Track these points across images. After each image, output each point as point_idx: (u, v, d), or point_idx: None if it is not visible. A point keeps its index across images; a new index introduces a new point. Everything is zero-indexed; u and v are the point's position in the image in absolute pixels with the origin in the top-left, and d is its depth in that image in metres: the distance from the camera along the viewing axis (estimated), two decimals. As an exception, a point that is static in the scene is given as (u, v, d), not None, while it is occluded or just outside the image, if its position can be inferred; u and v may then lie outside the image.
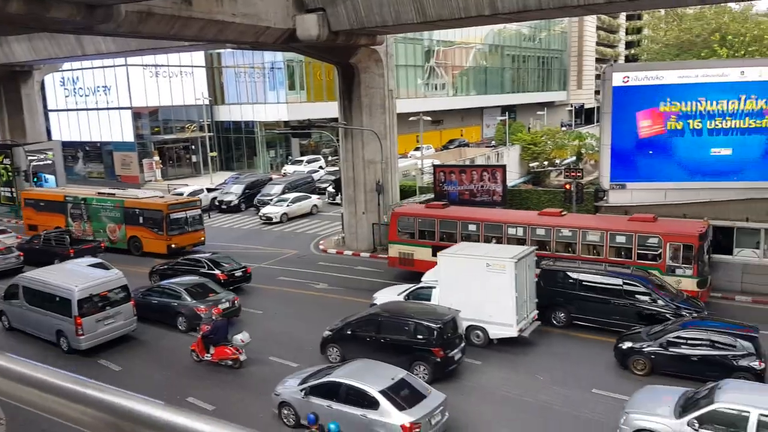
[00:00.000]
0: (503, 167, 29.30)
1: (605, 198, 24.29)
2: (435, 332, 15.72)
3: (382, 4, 22.83)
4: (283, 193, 41.44)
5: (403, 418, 12.39)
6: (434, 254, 21.46)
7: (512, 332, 17.39)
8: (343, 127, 30.25)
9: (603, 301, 18.55)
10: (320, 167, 53.55)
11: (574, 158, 50.23)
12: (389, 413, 12.51)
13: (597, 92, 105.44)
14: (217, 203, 42.28)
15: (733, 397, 12.09)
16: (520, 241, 21.78)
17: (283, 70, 53.54)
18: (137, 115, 52.37)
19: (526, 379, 16.31)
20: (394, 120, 31.82)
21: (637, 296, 18.23)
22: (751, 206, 21.25)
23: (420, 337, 15.93)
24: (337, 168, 51.34)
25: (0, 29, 19.51)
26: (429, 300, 18.63)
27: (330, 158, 55.46)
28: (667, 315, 17.63)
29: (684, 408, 12.42)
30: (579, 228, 21.30)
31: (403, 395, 12.95)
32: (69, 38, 31.99)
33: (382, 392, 12.78)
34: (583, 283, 19.05)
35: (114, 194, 32.54)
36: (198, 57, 54.70)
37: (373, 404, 12.73)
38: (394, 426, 12.34)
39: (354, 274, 27.02)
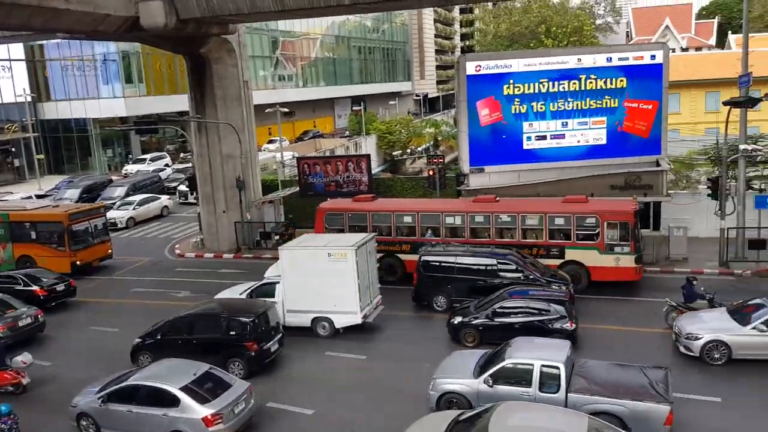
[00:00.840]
0: (367, 157, 29.40)
1: (465, 182, 25.23)
2: (248, 327, 15.84)
3: (235, -10, 21.70)
4: (128, 195, 38.41)
5: (204, 410, 12.54)
6: None
7: (357, 319, 17.89)
8: (198, 121, 28.49)
9: (479, 282, 19.17)
10: (166, 165, 50.37)
11: (428, 145, 52.11)
12: (191, 408, 12.58)
13: (439, 82, 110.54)
14: (51, 210, 38.04)
15: (520, 353, 13.34)
16: (458, 230, 21.75)
17: (117, 61, 49.42)
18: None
19: (366, 363, 16.70)
20: (252, 112, 30.65)
21: (510, 275, 19.01)
22: (595, 182, 23.20)
23: (233, 332, 15.96)
24: (187, 165, 48.65)
25: None
26: (273, 296, 18.52)
27: (181, 155, 52.23)
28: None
29: (482, 368, 13.49)
30: (518, 213, 21.11)
31: (206, 389, 13.01)
32: None
33: (183, 388, 12.81)
34: (460, 266, 19.57)
35: None
36: (16, 49, 48.70)
37: (173, 402, 12.72)
38: (195, 420, 12.49)
39: (218, 277, 25.38)
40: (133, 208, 36.02)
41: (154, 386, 13.04)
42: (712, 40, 78.95)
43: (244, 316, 16.17)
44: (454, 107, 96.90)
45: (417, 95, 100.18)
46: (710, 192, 21.83)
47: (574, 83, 23.56)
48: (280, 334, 16.84)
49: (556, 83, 23.65)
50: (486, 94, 24.00)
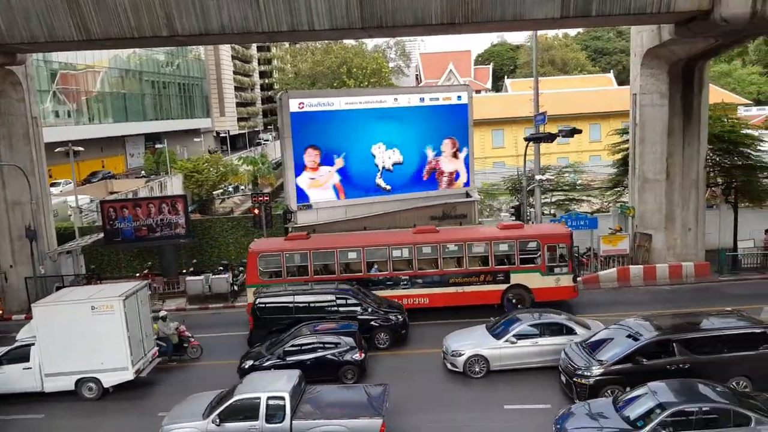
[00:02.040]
0: (184, 197, 27.80)
1: (293, 219, 25.04)
2: None
3: (29, 16, 19.24)
4: None
5: None
6: None
7: (129, 375, 16.92)
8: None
9: (318, 319, 18.88)
10: None
11: (240, 185, 50.77)
12: None
13: (240, 119, 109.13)
14: None
15: (248, 388, 13.75)
16: (407, 263, 21.30)
17: None
18: None
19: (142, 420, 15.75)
20: (42, 152, 27.29)
21: (349, 309, 19.14)
22: (417, 214, 24.58)
23: None
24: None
25: None
26: (28, 360, 17.04)
27: None
28: (379, 321, 19.05)
29: (212, 408, 13.58)
30: (464, 241, 21.12)
31: None
32: None
33: None
34: (298, 305, 19.29)
35: None
36: None
37: None
38: None
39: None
40: None
41: None
42: (489, 84, 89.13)
43: None
44: (257, 144, 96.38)
45: (217, 132, 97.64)
46: (514, 218, 24.33)
47: (391, 122, 24.84)
48: None
49: (376, 121, 24.71)
50: (310, 131, 24.20)
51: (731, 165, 26.87)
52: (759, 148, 27.57)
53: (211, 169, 45.65)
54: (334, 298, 19.35)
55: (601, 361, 14.73)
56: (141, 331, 17.54)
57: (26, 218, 26.02)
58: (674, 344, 14.57)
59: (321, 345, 16.92)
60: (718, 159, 27.17)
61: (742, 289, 23.03)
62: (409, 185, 25.70)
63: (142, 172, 67.41)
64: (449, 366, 17.07)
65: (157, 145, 56.56)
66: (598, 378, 14.46)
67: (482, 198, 28.12)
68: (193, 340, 19.63)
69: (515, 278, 21.01)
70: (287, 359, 16.62)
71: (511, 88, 64.17)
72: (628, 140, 26.91)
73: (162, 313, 19.32)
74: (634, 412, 12.47)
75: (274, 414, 12.98)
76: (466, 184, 25.84)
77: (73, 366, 16.75)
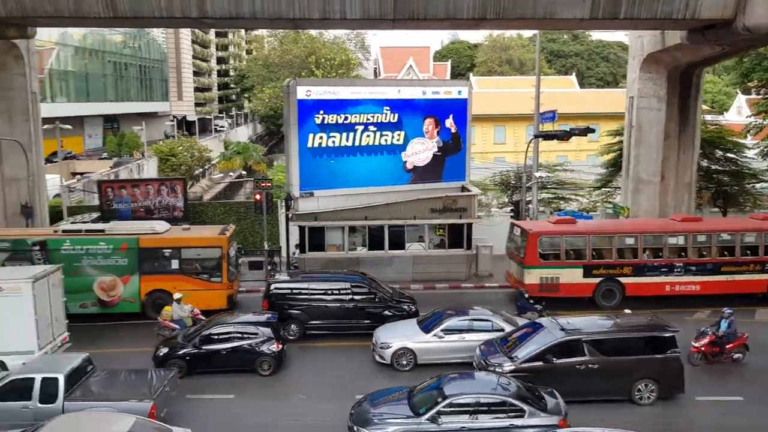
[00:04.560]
0: (183, 180, 28.12)
1: (293, 206, 25.84)
2: None
3: (57, -8, 19.42)
4: None
5: None
6: (585, 275, 21.82)
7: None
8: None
9: (333, 306, 19.72)
10: None
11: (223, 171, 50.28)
12: None
13: (198, 104, 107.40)
14: None
15: (25, 369, 14.39)
16: (678, 250, 22.31)
17: None
18: None
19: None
20: (39, 128, 27.13)
21: (363, 296, 19.88)
22: (417, 206, 25.66)
23: None
24: None
25: None
26: None
27: None
28: (392, 310, 19.83)
29: None
30: (738, 231, 22.42)
31: None
32: None
33: None
34: (312, 292, 19.89)
35: (104, 230, 21.31)
36: None
37: None
38: None
39: None
40: None
41: None
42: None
43: None
44: (214, 130, 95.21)
45: (174, 116, 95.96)
46: (512, 213, 25.78)
47: (396, 113, 25.95)
48: None
49: (380, 111, 25.76)
50: (315, 119, 25.05)
51: (721, 170, 28.64)
52: (743, 155, 29.74)
53: (186, 153, 45.48)
54: (348, 286, 20.02)
55: (513, 358, 15.22)
56: (51, 315, 17.32)
57: (22, 195, 25.89)
58: (584, 344, 15.11)
59: (238, 335, 17.04)
60: (706, 164, 28.99)
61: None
62: (411, 177, 26.74)
63: (104, 153, 65.97)
64: (377, 358, 17.39)
65: (136, 128, 55.35)
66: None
67: (482, 192, 29.43)
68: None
69: None
70: (202, 348, 16.85)
71: (476, 85, 66.18)
72: (620, 141, 28.43)
73: (177, 296, 19.66)
74: (421, 401, 13.27)
75: (48, 394, 13.51)
76: (461, 178, 27.23)
77: None
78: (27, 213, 25.48)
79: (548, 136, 24.24)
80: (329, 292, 19.99)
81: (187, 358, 16.77)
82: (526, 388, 13.67)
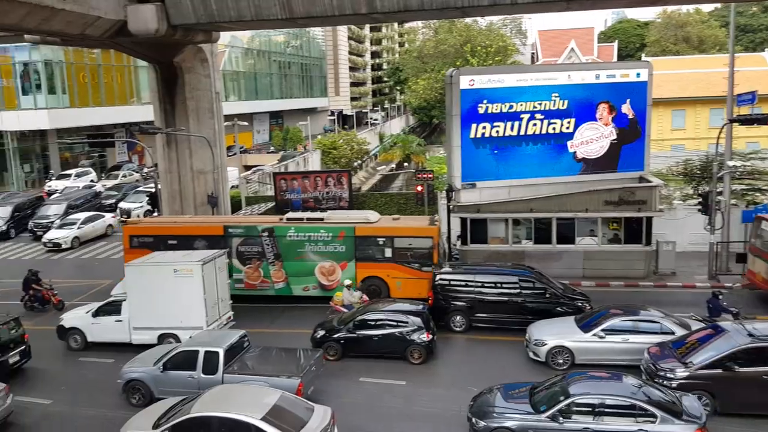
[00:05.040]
0: (348, 172, 29.07)
1: (455, 197, 25.50)
2: None
3: (240, -3, 20.78)
4: (67, 213, 35.34)
5: None
6: None
7: None
8: (170, 133, 26.88)
9: (500, 300, 19.23)
10: (91, 181, 46.89)
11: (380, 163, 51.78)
12: None
13: (353, 98, 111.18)
14: (-25, 231, 34.33)
15: (190, 342, 15.91)
16: None
17: (40, 71, 45.51)
18: None
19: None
20: (222, 125, 29.38)
21: (532, 291, 19.19)
22: (590, 198, 24.19)
23: None
24: (119, 182, 45.59)
25: None
26: (119, 314, 18.83)
27: (145, 170, 48.24)
28: (565, 307, 18.92)
29: (160, 358, 15.64)
30: None
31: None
32: None
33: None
34: (478, 284, 19.51)
35: (323, 218, 22.62)
36: None
37: None
38: None
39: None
40: (78, 227, 33.15)
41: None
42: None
43: None
44: (368, 123, 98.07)
45: (332, 111, 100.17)
46: (700, 207, 23.36)
47: (565, 100, 24.59)
48: (24, 347, 17.60)
49: (548, 98, 24.56)
50: (479, 109, 24.47)
51: None
52: None
53: (346, 146, 47.12)
54: (516, 280, 19.44)
55: (687, 363, 14.13)
56: (217, 295, 18.80)
57: (209, 186, 28.20)
58: None
59: (390, 322, 17.38)
60: None
61: None
62: (581, 167, 25.26)
63: (271, 147, 70.67)
64: (531, 355, 16.96)
65: (302, 123, 58.62)
66: (681, 382, 13.89)
67: (665, 183, 26.97)
68: None
69: None
70: (356, 333, 17.42)
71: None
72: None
73: (347, 282, 20.33)
74: (542, 398, 12.98)
75: (210, 366, 14.71)
76: (639, 167, 25.19)
77: (156, 322, 18.30)
78: (213, 202, 27.75)
79: (748, 120, 21.50)
80: (496, 285, 19.52)
81: (342, 341, 17.49)
82: (662, 392, 12.96)
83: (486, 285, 19.56)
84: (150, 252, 20.92)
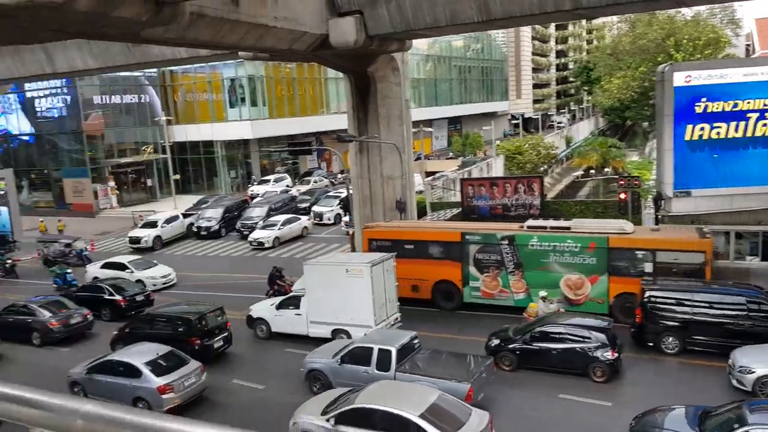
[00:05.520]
0: (540, 178, 27.81)
1: (664, 206, 23.04)
2: (189, 324, 18.60)
3: (435, 2, 20.60)
4: (268, 215, 38.17)
5: (159, 381, 15.40)
6: None
7: None
8: (364, 140, 27.66)
9: (723, 324, 16.83)
10: (287, 186, 50.39)
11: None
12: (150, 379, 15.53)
13: (536, 101, 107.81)
14: (195, 229, 38.38)
15: (365, 339, 16.87)
16: None
17: (245, 86, 50.14)
18: (90, 137, 47.39)
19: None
20: (410, 132, 29.62)
21: (763, 314, 16.57)
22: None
23: (180, 329, 18.71)
24: (311, 187, 48.50)
25: (34, 35, 15.16)
26: (298, 308, 20.06)
27: (339, 175, 51.55)
28: None
29: (336, 353, 16.26)
30: None
31: (163, 365, 15.87)
32: (38, 55, 27.62)
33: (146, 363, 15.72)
34: (696, 304, 17.21)
35: (570, 227, 20.75)
36: (149, 73, 50.41)
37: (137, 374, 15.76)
38: (152, 389, 15.42)
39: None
40: (278, 228, 35.67)
41: (124, 361, 16.21)
42: None
43: (188, 315, 19.07)
44: (550, 127, 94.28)
45: (513, 115, 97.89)
46: None
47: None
48: (226, 333, 19.38)
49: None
50: (696, 108, 21.84)
51: None
52: None
53: (531, 151, 45.36)
54: (743, 301, 16.83)
55: None
56: (384, 296, 19.13)
57: (397, 191, 28.55)
58: None
59: (571, 336, 16.44)
60: None
61: None
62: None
63: (450, 153, 70.78)
64: (735, 383, 15.04)
65: (486, 127, 58.16)
66: None
67: None
68: None
69: None
70: (533, 345, 16.72)
71: None
72: None
73: (542, 293, 19.25)
74: (713, 424, 11.72)
75: (383, 363, 15.12)
76: None
77: (329, 317, 19.10)
78: (401, 207, 28.06)
79: None
80: (717, 305, 17.11)
81: (517, 352, 16.93)
82: None
83: (705, 304, 17.21)
84: None
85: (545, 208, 28.02)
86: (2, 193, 34.73)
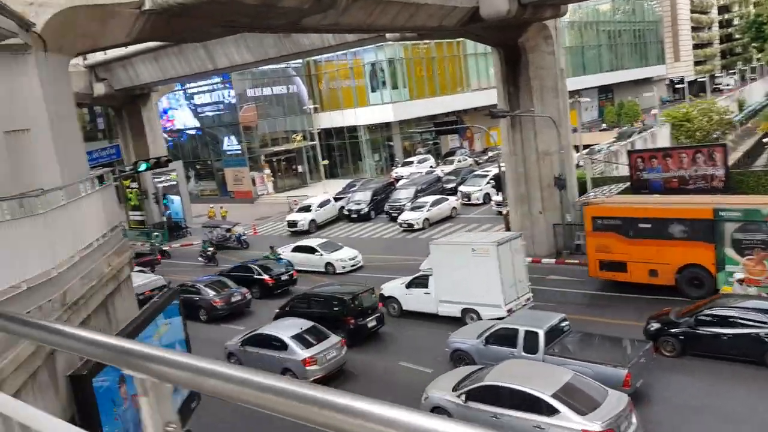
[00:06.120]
0: (724, 146, 24.79)
1: None
2: (344, 304, 18.89)
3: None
4: (416, 197, 37.99)
5: (304, 354, 16.19)
6: None
7: (501, 312, 18.17)
8: (517, 114, 26.35)
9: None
10: (431, 167, 49.96)
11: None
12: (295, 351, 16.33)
13: (696, 63, 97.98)
14: (346, 212, 39.28)
15: (510, 320, 16.52)
16: None
17: (385, 69, 50.32)
18: (246, 128, 50.37)
19: None
20: (567, 103, 27.75)
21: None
22: None
23: (335, 309, 19.07)
24: (455, 167, 47.69)
25: (206, 32, 16.20)
26: (426, 287, 20.09)
27: (489, 153, 50.80)
28: None
29: (481, 334, 16.16)
30: None
31: (307, 339, 16.66)
32: (199, 53, 29.40)
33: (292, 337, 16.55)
34: None
35: None
36: (295, 64, 52.42)
37: (284, 347, 16.59)
38: (298, 361, 16.09)
39: (550, 285, 22.97)
40: (427, 210, 35.40)
41: (272, 335, 17.08)
42: None
43: (342, 295, 19.46)
44: (716, 90, 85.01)
45: (671, 80, 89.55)
46: None
47: None
48: (379, 314, 19.62)
49: None
50: None
51: None
52: None
53: (702, 117, 40.89)
54: None
55: None
56: (513, 276, 18.95)
57: (554, 168, 26.91)
58: None
59: (744, 321, 14.94)
60: None
61: None
62: None
63: (603, 125, 66.36)
64: None
65: (647, 94, 54.31)
66: None
67: None
68: None
69: None
70: (699, 329, 15.46)
71: None
72: None
73: (737, 275, 17.30)
74: None
75: (530, 346, 14.69)
76: None
77: (458, 297, 19.23)
78: (560, 184, 26.42)
79: None
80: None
81: (681, 337, 15.70)
82: None
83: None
84: (615, 235, 20.16)
85: (730, 180, 24.94)
86: (174, 183, 37.75)
